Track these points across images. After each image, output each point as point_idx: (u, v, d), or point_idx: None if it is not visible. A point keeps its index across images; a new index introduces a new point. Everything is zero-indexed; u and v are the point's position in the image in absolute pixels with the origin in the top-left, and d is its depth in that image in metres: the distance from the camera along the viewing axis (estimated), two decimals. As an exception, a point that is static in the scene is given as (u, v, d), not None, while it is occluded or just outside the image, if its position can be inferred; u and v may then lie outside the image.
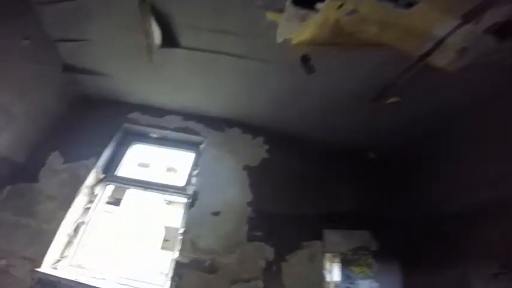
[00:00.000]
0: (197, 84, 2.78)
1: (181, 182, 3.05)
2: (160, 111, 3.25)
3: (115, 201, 10.41)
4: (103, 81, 2.97)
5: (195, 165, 3.13)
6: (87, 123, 3.17)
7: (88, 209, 2.82)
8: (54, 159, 2.90)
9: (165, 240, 11.00)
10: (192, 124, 3.22)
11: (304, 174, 3.05)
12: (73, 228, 2.67)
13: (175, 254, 2.53)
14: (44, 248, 2.41)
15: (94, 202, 2.87)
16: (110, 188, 3.08)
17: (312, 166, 3.14)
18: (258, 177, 2.96)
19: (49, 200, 2.65)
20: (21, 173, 2.80)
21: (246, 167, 3.00)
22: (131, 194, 10.55)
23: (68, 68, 2.84)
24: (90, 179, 2.83)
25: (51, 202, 2.64)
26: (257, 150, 3.11)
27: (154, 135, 3.30)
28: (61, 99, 3.08)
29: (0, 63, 2.34)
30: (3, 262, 2.36)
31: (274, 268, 2.56)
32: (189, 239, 2.57)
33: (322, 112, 2.77)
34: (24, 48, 2.40)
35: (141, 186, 3.00)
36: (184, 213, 2.82)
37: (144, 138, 3.32)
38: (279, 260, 2.59)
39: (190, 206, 2.73)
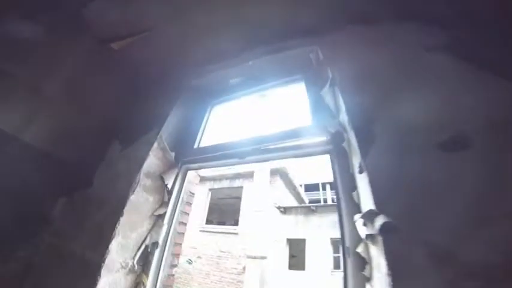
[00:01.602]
0: None
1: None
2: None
3: (235, 222, 9.65)
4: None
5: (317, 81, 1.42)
6: (146, 93, 2.09)
7: (161, 217, 1.51)
8: (114, 150, 1.85)
9: (292, 257, 8.96)
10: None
11: None
12: (136, 256, 1.37)
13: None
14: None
15: (169, 204, 1.54)
16: (193, 176, 1.73)
17: None
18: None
19: (99, 208, 1.50)
20: (77, 176, 1.85)
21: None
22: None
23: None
24: (153, 159, 1.55)
25: (101, 210, 1.48)
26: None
27: (236, 80, 1.86)
28: (104, 69, 2.11)
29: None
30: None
31: None
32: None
33: None
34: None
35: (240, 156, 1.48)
36: (341, 186, 1.08)
37: (223, 92, 1.96)
38: None
39: (363, 154, 0.93)
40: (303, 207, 9.37)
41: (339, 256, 7.66)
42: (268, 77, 1.84)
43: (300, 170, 12.59)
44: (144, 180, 1.49)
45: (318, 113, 1.41)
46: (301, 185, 12.43)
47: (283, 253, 8.71)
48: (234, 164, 1.56)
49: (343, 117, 1.14)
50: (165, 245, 1.46)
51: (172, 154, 1.66)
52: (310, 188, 14.38)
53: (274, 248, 8.48)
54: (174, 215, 1.54)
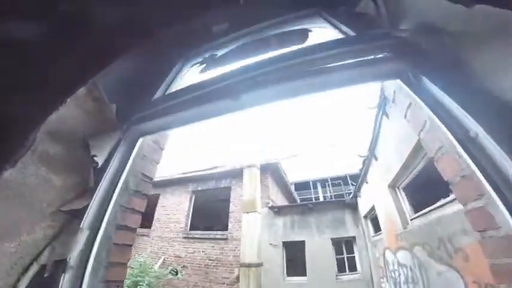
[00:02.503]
0: None
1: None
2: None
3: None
4: None
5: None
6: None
7: (77, 216, 0.81)
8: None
9: (291, 261, 7.97)
10: None
11: None
12: (17, 285, 0.67)
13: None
14: None
15: (97, 191, 0.85)
16: (149, 147, 1.05)
17: None
18: None
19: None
20: None
21: None
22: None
23: None
24: (72, 110, 0.87)
25: None
26: None
27: (221, 26, 1.25)
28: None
29: None
30: None
31: None
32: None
33: None
34: None
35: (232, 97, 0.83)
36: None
37: (204, 37, 1.34)
38: None
39: None
40: (298, 206, 8.71)
41: (342, 258, 7.05)
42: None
43: (289, 168, 12.00)
44: (45, 145, 0.79)
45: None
46: (291, 184, 11.81)
47: (280, 258, 8.02)
48: (219, 115, 0.88)
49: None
50: (85, 266, 0.77)
51: (113, 107, 0.97)
52: (300, 187, 13.79)
53: (270, 253, 7.79)
54: (105, 212, 0.85)
